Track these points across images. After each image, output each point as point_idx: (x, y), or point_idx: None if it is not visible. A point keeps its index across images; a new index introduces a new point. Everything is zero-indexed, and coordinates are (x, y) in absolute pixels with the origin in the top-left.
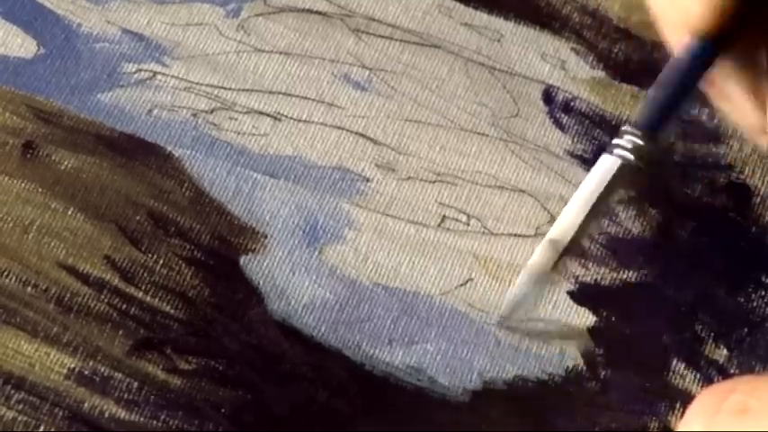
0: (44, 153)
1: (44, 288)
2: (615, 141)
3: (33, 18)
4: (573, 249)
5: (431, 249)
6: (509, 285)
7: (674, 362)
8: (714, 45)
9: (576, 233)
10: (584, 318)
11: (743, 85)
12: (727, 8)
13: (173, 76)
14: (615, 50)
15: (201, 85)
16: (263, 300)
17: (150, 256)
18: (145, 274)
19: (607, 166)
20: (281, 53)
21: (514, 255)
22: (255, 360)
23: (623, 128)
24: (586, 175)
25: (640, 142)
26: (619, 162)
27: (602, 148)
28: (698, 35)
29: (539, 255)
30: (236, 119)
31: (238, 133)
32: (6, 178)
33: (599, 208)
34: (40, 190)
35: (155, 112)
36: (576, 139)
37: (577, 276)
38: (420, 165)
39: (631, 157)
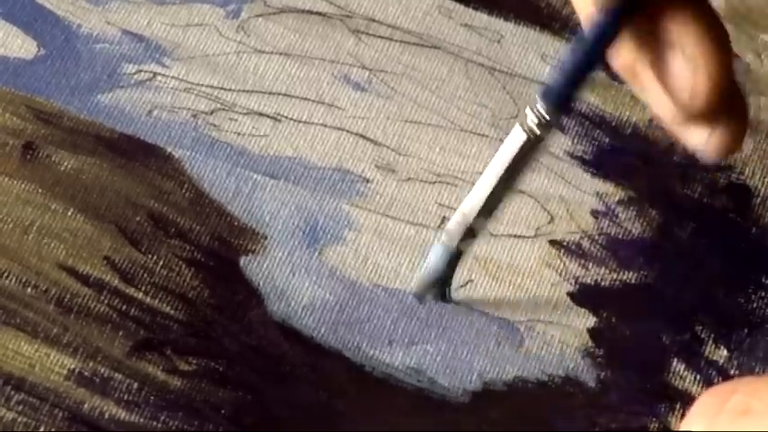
0: (44, 154)
1: (44, 289)
2: (524, 114)
3: (33, 19)
4: (481, 223)
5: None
6: (508, 286)
7: (674, 363)
8: (615, 15)
9: (485, 207)
10: (584, 318)
11: (649, 64)
12: None
13: (173, 77)
14: None
15: (201, 86)
16: (263, 301)
17: (150, 257)
18: (145, 275)
19: (514, 140)
20: (280, 54)
21: (514, 256)
22: (255, 361)
23: (532, 101)
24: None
25: (546, 115)
26: (524, 136)
27: (602, 149)
28: (600, 5)
29: (448, 229)
30: (236, 120)
31: (238, 134)
32: (6, 179)
33: (508, 181)
34: (40, 191)
35: (155, 113)
36: (575, 140)
37: (577, 277)
38: (420, 166)
39: (537, 131)
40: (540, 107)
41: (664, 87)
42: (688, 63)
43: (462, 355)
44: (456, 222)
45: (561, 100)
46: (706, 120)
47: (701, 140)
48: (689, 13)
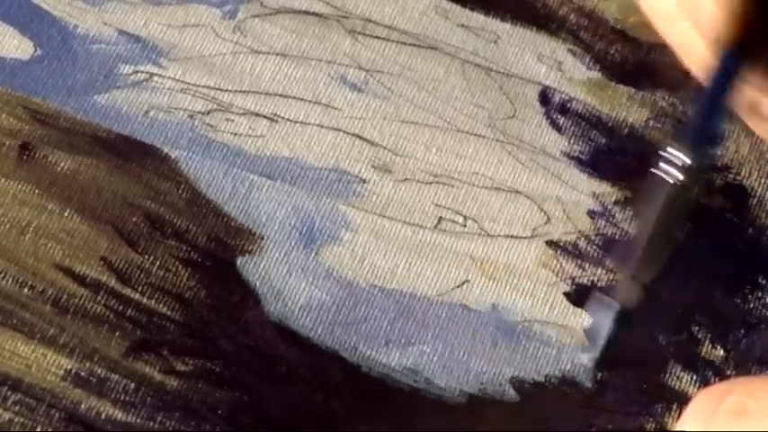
0: (41, 154)
1: (41, 289)
2: (662, 167)
3: (30, 19)
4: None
5: (427, 251)
6: (505, 287)
7: (671, 363)
8: (738, 53)
9: (651, 262)
10: (580, 319)
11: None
12: (745, 12)
13: (169, 78)
14: (612, 52)
15: (198, 86)
16: (259, 301)
17: (147, 257)
18: (141, 276)
19: (665, 194)
20: (277, 54)
21: (511, 256)
22: (252, 361)
23: (668, 151)
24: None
25: (688, 162)
26: (669, 186)
27: (598, 150)
28: (721, 45)
29: (624, 292)
30: (233, 120)
31: (235, 134)
32: (3, 180)
33: (668, 233)
34: (36, 191)
35: (151, 113)
36: (572, 141)
37: (574, 278)
38: (416, 166)
39: (681, 177)
40: (682, 155)
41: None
42: None
43: (459, 355)
44: (626, 284)
45: (703, 144)
46: None
47: None
48: None
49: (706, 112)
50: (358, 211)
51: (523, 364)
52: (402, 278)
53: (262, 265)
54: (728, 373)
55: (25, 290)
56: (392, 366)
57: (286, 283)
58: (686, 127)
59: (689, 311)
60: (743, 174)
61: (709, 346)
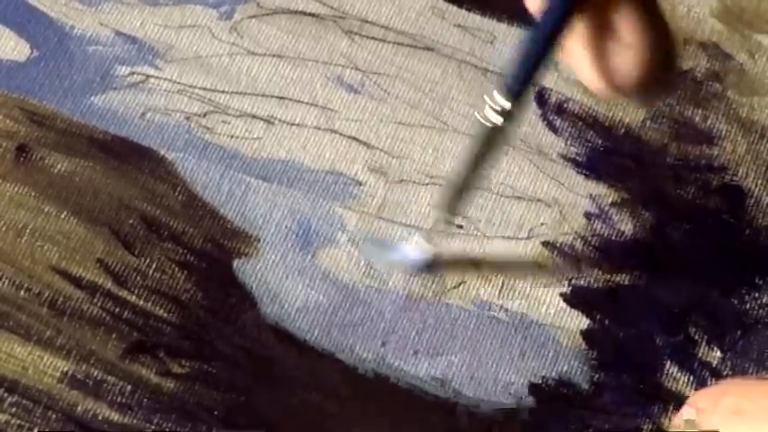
0: (37, 156)
1: (37, 291)
2: (487, 106)
3: (26, 20)
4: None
5: (424, 252)
6: (500, 288)
7: (668, 364)
8: (566, 4)
9: (455, 198)
10: (577, 320)
11: (586, 45)
12: None
13: (166, 79)
14: None
15: (194, 87)
16: (256, 303)
17: (143, 259)
18: (138, 278)
19: (480, 132)
20: (273, 56)
21: (507, 257)
22: (248, 363)
23: (491, 93)
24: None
25: (507, 105)
26: (488, 126)
27: (595, 151)
28: None
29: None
30: (229, 122)
31: (231, 137)
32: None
33: (475, 172)
34: (33, 193)
35: (148, 115)
36: (569, 142)
37: (570, 279)
38: (413, 167)
39: (498, 120)
40: (499, 97)
41: (598, 67)
42: (625, 51)
43: (455, 357)
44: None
45: (519, 89)
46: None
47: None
48: (632, 6)
49: (522, 59)
50: (354, 212)
51: (521, 366)
52: (398, 280)
53: (258, 268)
54: (725, 373)
55: (22, 292)
56: (391, 366)
57: (282, 285)
58: (507, 74)
59: (686, 312)
60: (740, 175)
61: (706, 348)
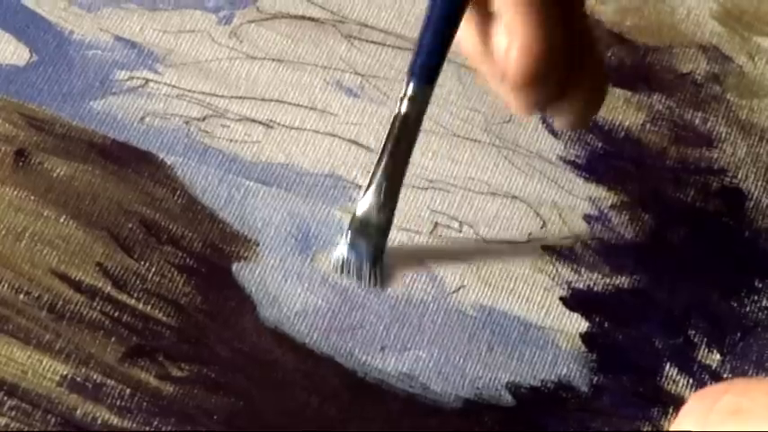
0: (36, 161)
1: (37, 295)
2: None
3: (26, 25)
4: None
5: (423, 256)
6: (501, 292)
7: (667, 367)
8: None
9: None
10: (576, 323)
11: (470, 22)
12: None
13: (165, 84)
14: (608, 55)
15: (194, 92)
16: (255, 307)
17: (142, 263)
18: (137, 282)
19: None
20: (273, 60)
21: (507, 261)
22: (248, 367)
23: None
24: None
25: (413, 92)
26: (396, 114)
27: (594, 154)
28: None
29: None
30: (229, 126)
31: (230, 141)
32: None
33: (395, 160)
34: (32, 197)
35: (147, 119)
36: (568, 145)
37: (570, 282)
38: (412, 171)
39: (406, 108)
40: (408, 85)
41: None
42: (505, 33)
43: (455, 360)
44: (354, 216)
45: (427, 74)
46: (535, 89)
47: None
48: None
49: (425, 46)
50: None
51: (519, 369)
52: (398, 284)
53: (257, 271)
54: (725, 376)
55: (21, 296)
56: (388, 371)
57: (281, 288)
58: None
59: (685, 315)
60: (739, 177)
61: (706, 350)
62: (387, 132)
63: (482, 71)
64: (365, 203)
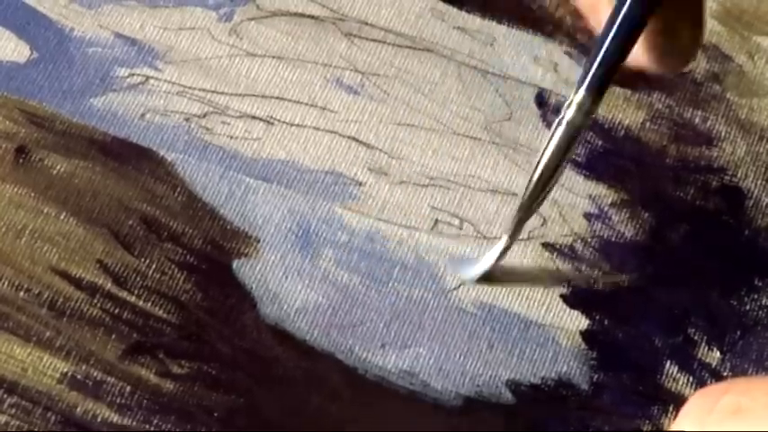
0: (37, 157)
1: (37, 292)
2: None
3: (26, 22)
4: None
5: (424, 253)
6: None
7: (667, 365)
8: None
9: (537, 200)
10: (576, 321)
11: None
12: None
13: (165, 81)
14: None
15: (194, 89)
16: (255, 304)
17: (143, 260)
18: (137, 279)
19: (560, 134)
20: (273, 57)
21: (507, 258)
22: (248, 364)
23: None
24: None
25: (585, 104)
26: (567, 129)
27: (594, 152)
28: None
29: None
30: (229, 123)
31: (231, 137)
32: None
33: (556, 173)
34: (32, 194)
35: (147, 116)
36: None
37: (570, 280)
38: (413, 169)
39: (578, 121)
40: (579, 97)
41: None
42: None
43: (455, 358)
44: (515, 218)
45: (598, 87)
46: None
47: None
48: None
49: (598, 57)
50: (354, 213)
51: (519, 367)
52: (398, 281)
53: (258, 268)
54: (725, 374)
55: (21, 293)
56: (388, 369)
57: (282, 285)
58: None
59: (685, 313)
60: (739, 175)
61: (706, 348)
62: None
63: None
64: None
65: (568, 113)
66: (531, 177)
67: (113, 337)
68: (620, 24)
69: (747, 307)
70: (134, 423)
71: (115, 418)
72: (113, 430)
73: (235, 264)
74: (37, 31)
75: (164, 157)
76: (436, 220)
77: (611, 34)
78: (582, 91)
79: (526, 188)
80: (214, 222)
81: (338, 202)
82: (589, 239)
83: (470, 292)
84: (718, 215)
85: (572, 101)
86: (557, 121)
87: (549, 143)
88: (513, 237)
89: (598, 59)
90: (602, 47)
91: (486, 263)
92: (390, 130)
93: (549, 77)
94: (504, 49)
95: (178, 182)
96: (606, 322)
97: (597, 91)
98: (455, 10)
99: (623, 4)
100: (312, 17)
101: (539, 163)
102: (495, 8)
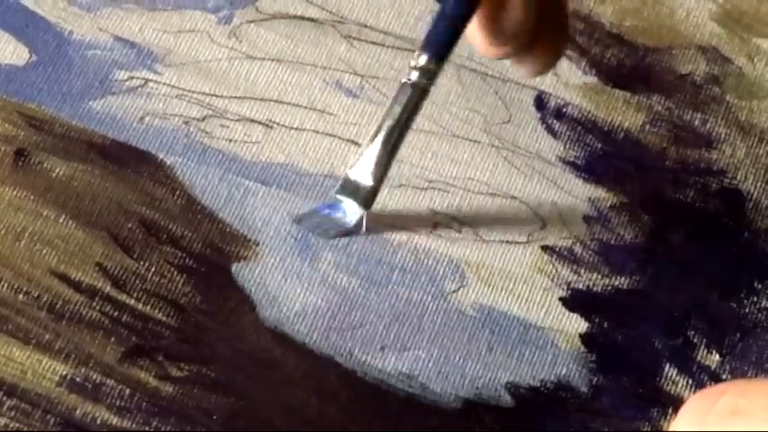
0: (36, 160)
1: (36, 295)
2: (411, 67)
3: (25, 25)
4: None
5: (423, 256)
6: (500, 292)
7: (667, 367)
8: None
9: (381, 161)
10: (576, 324)
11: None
12: None
13: (164, 84)
14: (608, 56)
15: (193, 92)
16: (254, 307)
17: (142, 263)
18: (136, 282)
19: (408, 93)
20: (272, 60)
21: (507, 261)
22: (247, 367)
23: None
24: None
25: (431, 66)
26: (410, 89)
27: (594, 155)
28: None
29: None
30: (228, 126)
31: (230, 141)
32: None
33: (401, 135)
34: (31, 197)
35: (146, 119)
36: (568, 146)
37: (570, 283)
38: (412, 172)
39: (423, 82)
40: (423, 59)
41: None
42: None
43: (454, 360)
44: (360, 183)
45: (443, 51)
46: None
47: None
48: None
49: (441, 19)
50: None
51: (519, 369)
52: (397, 284)
53: (257, 271)
54: (724, 377)
55: (20, 296)
56: (387, 371)
57: (281, 288)
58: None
59: (685, 316)
60: (739, 178)
61: (705, 351)
62: (392, 98)
63: (477, 37)
64: (359, 167)
65: (413, 75)
66: (379, 139)
67: (112, 339)
68: None
69: (747, 309)
70: (133, 425)
71: (114, 420)
72: None
73: (234, 267)
74: (36, 33)
75: (163, 160)
76: (435, 223)
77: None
78: (425, 56)
79: (376, 154)
80: (213, 225)
81: None
82: (588, 242)
83: (470, 294)
84: (717, 217)
85: (417, 65)
86: (402, 80)
87: (394, 104)
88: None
89: (440, 26)
90: (443, 9)
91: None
92: None
93: (548, 80)
94: None
95: (177, 185)
96: (605, 325)
97: (440, 56)
98: None
99: None
100: (311, 20)
101: (383, 123)
102: None
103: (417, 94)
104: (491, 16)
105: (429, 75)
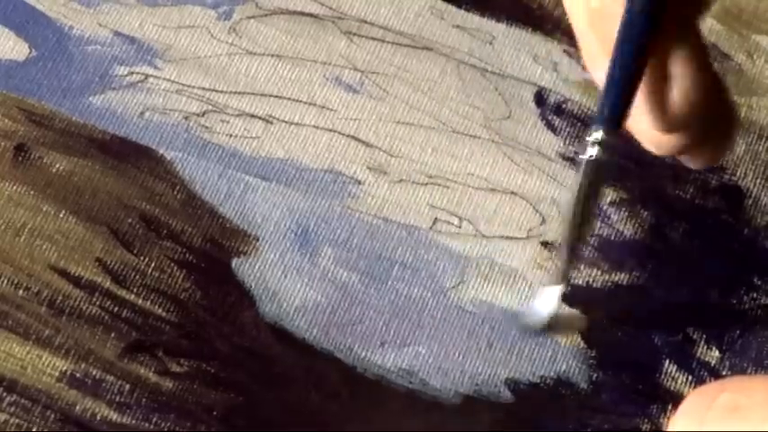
0: (36, 156)
1: (36, 291)
2: (588, 141)
3: (25, 21)
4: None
5: (423, 252)
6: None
7: (666, 364)
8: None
9: (575, 237)
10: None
11: (643, 92)
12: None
13: (164, 79)
14: None
15: (193, 87)
16: (254, 302)
17: (142, 258)
18: (137, 277)
19: (587, 169)
20: (272, 56)
21: (506, 257)
22: (247, 363)
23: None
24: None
25: (606, 137)
26: (590, 164)
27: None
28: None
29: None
30: (228, 121)
31: (230, 136)
32: None
33: (588, 210)
34: (31, 192)
35: (146, 114)
36: (567, 142)
37: (569, 278)
38: (412, 167)
39: (600, 155)
40: (597, 132)
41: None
42: (678, 87)
43: (454, 356)
44: (557, 262)
45: (616, 120)
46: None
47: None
48: (687, 50)
49: (611, 91)
50: (353, 212)
51: (518, 365)
52: (397, 279)
53: (257, 267)
54: (723, 373)
55: (20, 291)
56: (387, 367)
57: (281, 284)
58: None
59: (684, 312)
60: (738, 174)
61: (705, 347)
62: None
63: (644, 126)
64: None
65: (589, 151)
66: (568, 220)
67: (112, 335)
68: (623, 42)
69: (746, 306)
70: (133, 421)
71: (114, 416)
72: (112, 429)
73: (234, 262)
74: (36, 29)
75: (163, 155)
76: (435, 219)
77: (617, 59)
78: (598, 127)
79: (564, 232)
80: (213, 221)
81: (337, 200)
82: (588, 237)
83: (470, 290)
84: (717, 214)
85: (591, 139)
86: (580, 158)
87: (578, 183)
88: (565, 283)
89: (611, 95)
90: (611, 75)
91: (547, 310)
92: (389, 129)
93: (548, 76)
94: (503, 47)
95: (177, 180)
96: (605, 321)
97: (613, 123)
98: (454, 8)
99: (626, 28)
100: (311, 15)
101: (572, 204)
102: (495, 6)
103: (595, 170)
104: (655, 89)
105: (605, 147)
